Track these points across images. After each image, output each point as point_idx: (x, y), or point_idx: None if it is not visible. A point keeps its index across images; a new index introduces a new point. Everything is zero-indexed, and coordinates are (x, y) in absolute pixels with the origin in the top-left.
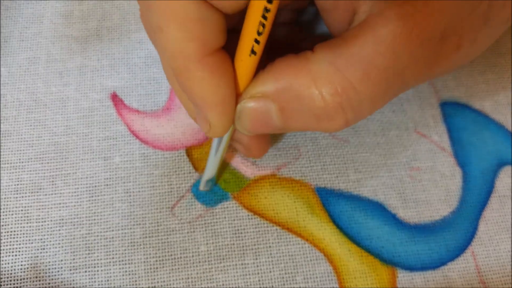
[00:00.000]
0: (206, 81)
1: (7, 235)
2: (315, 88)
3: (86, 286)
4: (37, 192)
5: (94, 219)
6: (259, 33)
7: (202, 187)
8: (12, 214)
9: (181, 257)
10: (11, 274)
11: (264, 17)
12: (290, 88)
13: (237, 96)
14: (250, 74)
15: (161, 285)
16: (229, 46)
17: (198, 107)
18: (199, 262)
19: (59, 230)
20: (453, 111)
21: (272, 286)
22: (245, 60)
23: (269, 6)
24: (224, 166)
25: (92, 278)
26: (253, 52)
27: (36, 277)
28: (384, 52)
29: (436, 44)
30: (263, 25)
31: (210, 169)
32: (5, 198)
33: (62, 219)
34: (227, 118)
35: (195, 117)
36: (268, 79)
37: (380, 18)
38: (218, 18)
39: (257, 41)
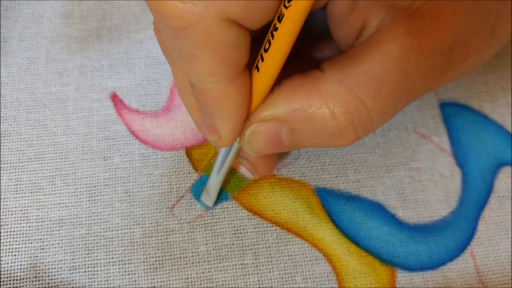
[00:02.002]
0: (232, 100)
1: (7, 235)
2: (326, 108)
3: (85, 286)
4: (37, 192)
5: (94, 219)
6: (265, 50)
7: (205, 200)
8: (12, 214)
9: (180, 257)
10: (10, 274)
11: (272, 35)
12: (301, 109)
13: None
14: (257, 92)
15: (161, 285)
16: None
17: (212, 120)
18: (199, 262)
19: (59, 230)
20: (452, 112)
21: (272, 286)
22: (253, 76)
23: (278, 24)
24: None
25: (91, 278)
26: (257, 67)
27: (36, 277)
28: (394, 69)
29: (444, 56)
30: (269, 42)
31: (214, 184)
32: (4, 198)
33: (62, 219)
34: (238, 131)
35: (200, 123)
36: (277, 102)
37: (389, 33)
38: (247, 38)
39: (262, 57)
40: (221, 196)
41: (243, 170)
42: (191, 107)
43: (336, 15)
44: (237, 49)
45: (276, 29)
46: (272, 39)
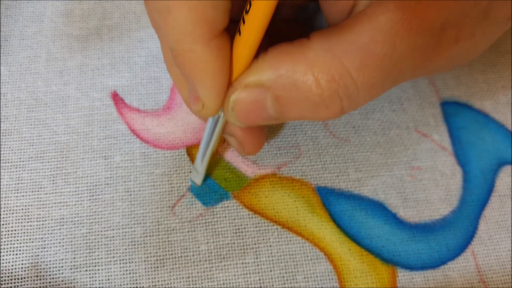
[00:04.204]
0: (210, 63)
1: (8, 234)
2: (311, 75)
3: (86, 285)
4: (38, 191)
5: (95, 218)
6: (246, 11)
7: (194, 178)
8: (13, 213)
9: (181, 256)
10: (11, 273)
11: None
12: (286, 76)
13: (229, 83)
14: (240, 57)
15: (162, 284)
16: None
17: (194, 87)
18: (200, 261)
19: (60, 229)
20: (453, 110)
21: (273, 285)
22: (235, 41)
23: None
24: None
25: (92, 277)
26: (239, 31)
27: (37, 276)
28: (382, 40)
29: (435, 35)
30: (250, 3)
31: (201, 161)
32: (5, 197)
33: (63, 218)
34: (221, 97)
35: (187, 98)
36: (262, 68)
37: (379, 7)
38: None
39: (243, 20)
40: (222, 195)
41: (244, 169)
42: (178, 80)
43: None
44: (214, 8)
45: None
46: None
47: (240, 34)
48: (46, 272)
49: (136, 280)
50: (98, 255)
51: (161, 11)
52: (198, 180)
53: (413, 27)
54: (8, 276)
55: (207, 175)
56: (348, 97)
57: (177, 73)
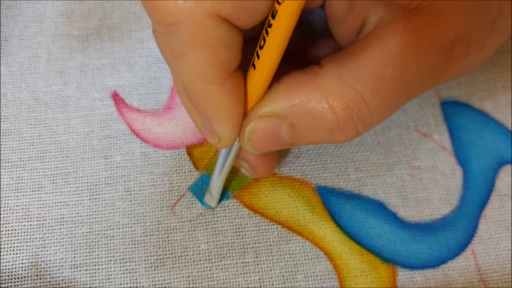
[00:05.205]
0: (225, 101)
1: (8, 234)
2: (326, 103)
3: (86, 284)
4: (38, 190)
5: (95, 218)
6: (260, 47)
7: (208, 201)
8: (13, 213)
9: (181, 256)
10: (11, 272)
11: (266, 32)
12: (301, 105)
13: (244, 114)
14: (254, 90)
15: (162, 284)
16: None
17: (209, 123)
18: (200, 260)
19: (60, 228)
20: (453, 110)
21: (273, 284)
22: (249, 74)
23: (272, 21)
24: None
25: (92, 277)
26: (253, 65)
27: (37, 276)
28: (393, 63)
29: (444, 53)
30: (264, 39)
31: (216, 185)
32: (5, 196)
33: (63, 218)
34: (237, 130)
35: (202, 130)
36: (276, 97)
37: (388, 29)
38: (238, 38)
39: (257, 55)
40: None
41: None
42: (191, 111)
43: (335, 14)
44: (227, 49)
45: (270, 25)
46: (267, 36)
47: (254, 68)
48: (46, 271)
49: (136, 279)
50: (98, 254)
51: (174, 56)
52: (213, 203)
53: (423, 48)
54: (8, 276)
55: (207, 175)
56: (362, 121)
57: (191, 105)
